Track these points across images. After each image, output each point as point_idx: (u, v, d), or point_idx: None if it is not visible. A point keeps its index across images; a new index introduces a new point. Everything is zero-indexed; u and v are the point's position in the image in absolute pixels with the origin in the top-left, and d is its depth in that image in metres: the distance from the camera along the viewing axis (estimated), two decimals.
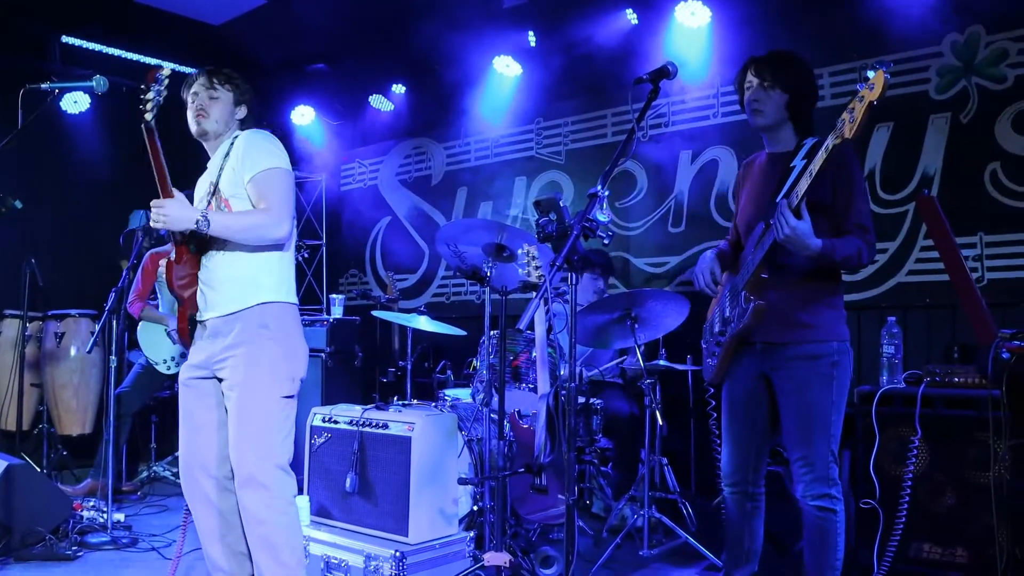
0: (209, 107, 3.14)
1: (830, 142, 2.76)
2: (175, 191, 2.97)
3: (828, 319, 3.05)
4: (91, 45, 6.63)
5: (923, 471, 3.61)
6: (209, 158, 3.25)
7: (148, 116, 2.95)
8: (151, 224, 2.96)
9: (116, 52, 6.76)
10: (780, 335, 3.04)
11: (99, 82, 3.70)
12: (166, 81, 2.95)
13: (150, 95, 2.93)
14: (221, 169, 3.08)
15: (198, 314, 3.12)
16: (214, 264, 3.07)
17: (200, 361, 3.10)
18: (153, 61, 6.93)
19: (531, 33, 6.03)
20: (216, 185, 3.07)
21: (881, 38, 4.93)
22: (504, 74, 6.45)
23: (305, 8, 5.74)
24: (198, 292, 3.10)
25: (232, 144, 3.10)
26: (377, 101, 7.20)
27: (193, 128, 3.19)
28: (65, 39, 6.51)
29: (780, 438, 3.18)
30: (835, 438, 3.01)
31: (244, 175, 3.03)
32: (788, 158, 3.04)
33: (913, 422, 3.59)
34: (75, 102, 6.91)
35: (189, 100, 3.19)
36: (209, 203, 3.08)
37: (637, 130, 2.74)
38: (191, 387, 3.15)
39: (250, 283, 3.04)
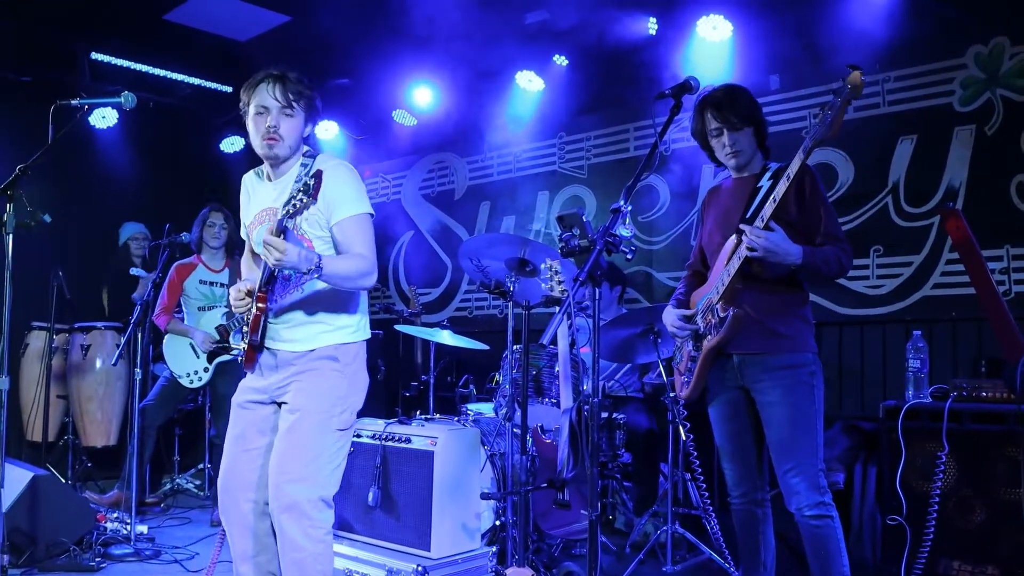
0: (282, 128, 2.90)
1: (808, 143, 2.85)
2: (294, 230, 2.81)
3: (802, 331, 3.09)
4: (120, 61, 6.71)
5: (951, 487, 3.57)
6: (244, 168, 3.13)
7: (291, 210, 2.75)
8: (264, 259, 2.77)
9: (144, 68, 6.84)
10: (758, 345, 3.07)
11: (127, 98, 3.74)
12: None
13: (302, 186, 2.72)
14: (299, 206, 2.75)
15: (268, 341, 2.97)
16: (289, 304, 2.96)
17: (261, 386, 3.02)
18: (180, 77, 7.01)
19: (562, 57, 6.05)
20: (292, 220, 2.87)
21: (904, 50, 4.91)
22: (527, 89, 6.47)
23: (328, 24, 5.78)
24: (265, 322, 2.95)
25: (309, 194, 2.72)
26: (400, 116, 7.24)
27: (260, 150, 2.95)
28: (94, 55, 6.60)
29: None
30: (820, 447, 3.03)
31: (332, 217, 2.89)
32: (754, 180, 3.14)
33: (940, 437, 3.55)
34: (103, 117, 7.00)
35: (253, 110, 2.92)
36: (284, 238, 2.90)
37: (659, 144, 2.75)
38: (247, 409, 3.04)
39: (329, 324, 2.98)
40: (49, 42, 6.43)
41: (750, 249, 2.90)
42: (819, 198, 3.05)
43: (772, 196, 2.90)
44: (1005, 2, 4.60)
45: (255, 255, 3.14)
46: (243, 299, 2.93)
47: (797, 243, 2.93)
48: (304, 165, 2.94)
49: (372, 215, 2.97)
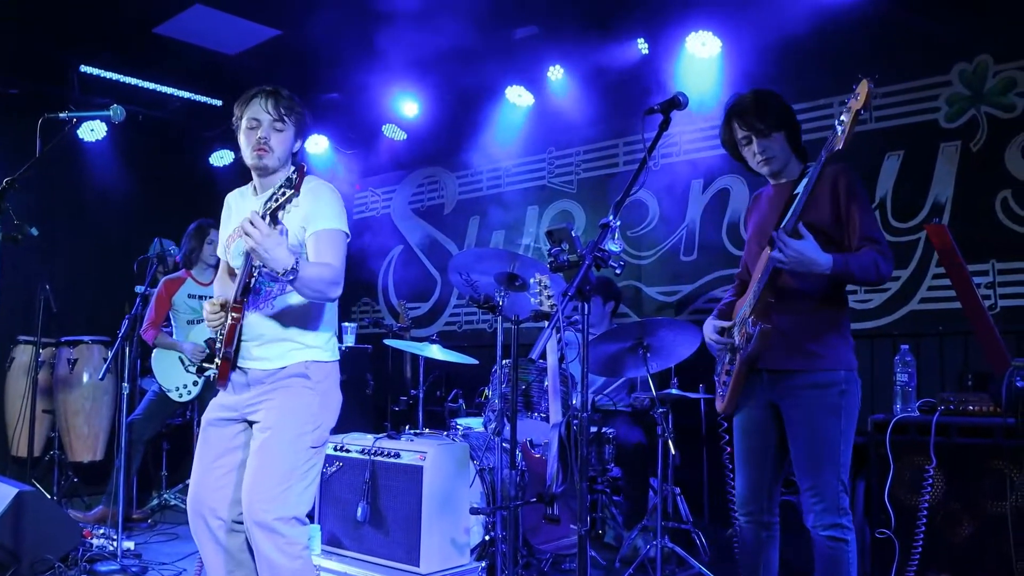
0: (272, 140, 2.98)
1: (824, 155, 2.81)
2: (282, 223, 2.80)
3: (836, 347, 3.02)
4: (109, 74, 6.70)
5: (939, 500, 3.58)
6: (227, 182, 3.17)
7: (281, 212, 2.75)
8: (244, 245, 2.76)
9: (133, 81, 6.83)
10: (787, 362, 3.01)
11: (116, 111, 3.74)
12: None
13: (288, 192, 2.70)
14: (281, 199, 2.74)
15: (239, 360, 2.99)
16: (260, 320, 2.97)
17: (231, 403, 3.02)
18: (170, 91, 7.01)
19: (559, 67, 6.07)
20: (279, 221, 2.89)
21: (890, 67, 4.96)
22: (516, 104, 6.50)
23: (318, 38, 5.80)
24: (240, 335, 2.96)
25: (292, 187, 2.73)
26: (390, 130, 7.25)
27: (250, 161, 3.02)
28: (83, 68, 6.59)
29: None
30: (844, 467, 2.97)
31: (309, 227, 2.93)
32: (792, 186, 3.05)
33: (928, 451, 3.57)
34: (92, 130, 6.98)
35: (245, 123, 3.00)
36: None
37: (648, 160, 2.76)
38: (216, 427, 3.05)
39: (299, 343, 2.98)
40: (38, 55, 6.42)
41: (777, 260, 2.85)
42: (854, 198, 2.96)
43: (794, 205, 2.85)
44: (989, 20, 4.65)
45: (231, 272, 3.15)
46: (217, 312, 2.94)
47: (829, 250, 2.87)
48: (290, 179, 2.90)
49: (348, 236, 3.00)
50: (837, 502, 2.94)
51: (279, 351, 2.97)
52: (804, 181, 2.94)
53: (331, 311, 3.09)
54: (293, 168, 2.78)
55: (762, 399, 3.10)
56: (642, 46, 5.68)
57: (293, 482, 2.89)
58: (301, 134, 3.07)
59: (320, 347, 3.03)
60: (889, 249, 2.95)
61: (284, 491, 2.87)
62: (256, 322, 2.97)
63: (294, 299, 2.95)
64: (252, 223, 2.67)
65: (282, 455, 2.90)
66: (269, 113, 2.97)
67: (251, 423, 3.00)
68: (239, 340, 2.94)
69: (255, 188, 3.11)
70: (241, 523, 2.97)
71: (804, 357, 2.99)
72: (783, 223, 2.91)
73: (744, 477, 3.19)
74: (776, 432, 3.10)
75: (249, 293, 2.94)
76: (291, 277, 2.73)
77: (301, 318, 2.99)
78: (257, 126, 2.97)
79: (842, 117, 2.76)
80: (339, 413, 3.11)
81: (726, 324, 3.20)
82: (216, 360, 2.98)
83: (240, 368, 3.00)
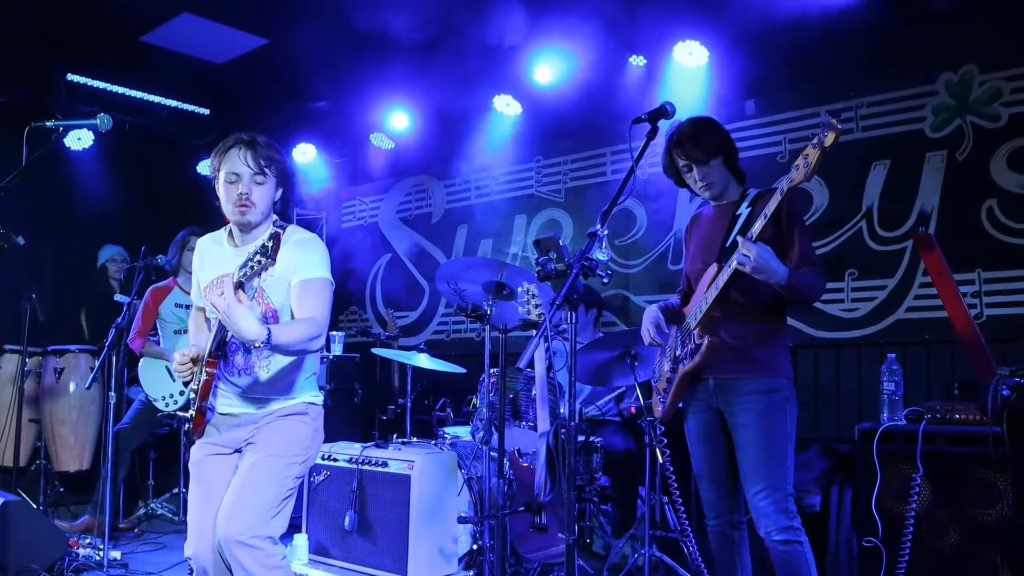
0: (254, 195, 2.89)
1: (785, 185, 2.85)
2: (244, 296, 2.74)
3: (778, 357, 3.13)
4: (96, 83, 6.69)
5: (926, 509, 3.59)
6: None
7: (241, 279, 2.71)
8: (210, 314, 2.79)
9: (120, 90, 6.82)
10: (734, 370, 3.10)
11: (103, 120, 3.73)
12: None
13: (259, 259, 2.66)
14: (256, 267, 2.69)
15: (226, 406, 2.98)
16: (257, 369, 2.95)
17: (224, 441, 2.99)
18: (157, 99, 6.99)
19: (547, 76, 6.07)
20: (256, 284, 2.91)
21: (876, 77, 4.99)
22: (504, 113, 6.51)
23: (305, 47, 5.80)
24: (221, 390, 2.96)
25: (267, 255, 2.67)
26: (378, 139, 7.25)
27: (232, 217, 2.94)
28: (70, 76, 6.57)
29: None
30: (790, 472, 3.05)
31: (294, 275, 2.90)
32: (733, 207, 3.19)
33: (915, 459, 3.57)
34: (79, 139, 6.96)
35: (224, 176, 2.90)
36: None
37: (636, 169, 2.77)
38: (211, 462, 3.00)
39: (291, 393, 2.99)
40: (24, 63, 6.40)
41: (740, 264, 2.90)
42: (795, 221, 3.08)
43: (763, 212, 2.91)
44: (975, 31, 4.68)
45: (207, 320, 3.10)
46: (186, 364, 2.88)
47: None
48: (272, 235, 2.84)
49: (332, 284, 2.99)
50: (786, 504, 3.01)
51: (274, 399, 2.98)
52: (745, 204, 3.12)
53: (315, 363, 3.10)
54: (271, 232, 2.71)
55: (707, 405, 3.21)
56: (637, 60, 5.69)
57: (274, 507, 2.89)
58: (283, 183, 3.00)
59: (312, 392, 3.05)
60: (822, 270, 3.10)
61: (266, 516, 2.86)
62: (249, 380, 2.95)
63: (284, 360, 2.94)
64: (222, 293, 2.61)
65: (270, 480, 2.89)
66: (249, 167, 2.88)
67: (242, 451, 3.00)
68: (215, 391, 2.92)
69: (231, 236, 3.04)
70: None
71: (750, 365, 3.09)
72: (731, 243, 3.05)
73: (707, 482, 3.27)
74: (725, 437, 3.20)
75: (225, 347, 2.90)
76: (264, 346, 2.70)
77: (295, 370, 2.98)
78: (237, 180, 2.89)
79: (807, 152, 2.77)
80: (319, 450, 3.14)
81: (665, 326, 3.28)
82: (191, 411, 2.93)
83: (227, 414, 2.98)
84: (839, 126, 2.73)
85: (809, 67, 5.20)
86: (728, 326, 3.10)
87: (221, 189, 2.94)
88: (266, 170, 2.90)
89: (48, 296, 6.27)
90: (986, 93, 4.67)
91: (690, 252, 3.41)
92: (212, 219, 3.25)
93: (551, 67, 5.94)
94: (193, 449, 3.05)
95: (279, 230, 2.80)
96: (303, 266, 2.92)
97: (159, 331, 5.58)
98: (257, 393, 2.96)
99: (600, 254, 2.64)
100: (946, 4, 4.63)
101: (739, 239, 2.92)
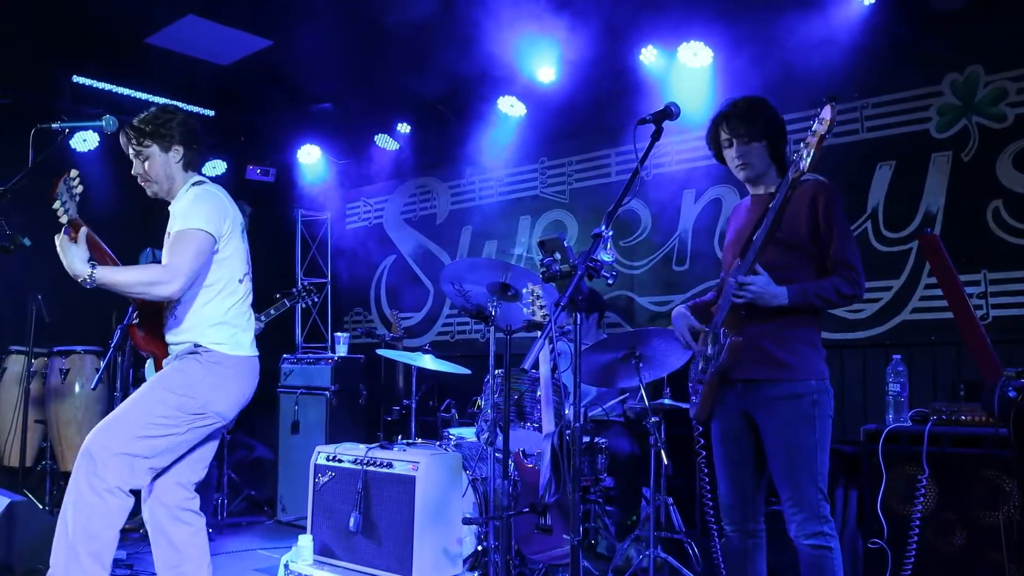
0: (146, 170, 3.21)
1: (791, 175, 2.84)
2: (81, 238, 3.07)
3: (806, 357, 3.03)
4: (101, 84, 6.70)
5: (931, 510, 3.58)
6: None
7: (64, 219, 3.07)
8: None
9: (126, 91, 6.83)
10: (759, 373, 3.02)
11: (109, 122, 3.73)
12: (76, 182, 2.98)
13: (57, 204, 3.04)
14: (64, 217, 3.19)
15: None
16: (169, 322, 3.21)
17: None
18: (162, 100, 6.98)
19: (551, 77, 6.07)
20: (166, 237, 3.18)
21: (881, 77, 4.99)
22: (509, 114, 6.51)
23: (311, 49, 5.81)
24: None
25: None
26: (382, 140, 7.26)
27: (148, 193, 3.28)
28: (76, 78, 6.58)
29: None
30: (822, 476, 2.98)
31: (171, 229, 3.12)
32: (769, 198, 3.07)
33: (920, 460, 3.57)
34: (84, 140, 6.98)
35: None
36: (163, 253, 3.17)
37: (641, 170, 2.77)
38: None
39: (188, 331, 3.16)
40: (30, 65, 6.41)
41: (736, 296, 2.89)
42: (832, 220, 2.97)
43: (757, 233, 2.88)
44: (980, 31, 4.68)
45: None
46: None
47: (805, 264, 2.95)
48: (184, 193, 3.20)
49: (201, 231, 3.07)
50: (817, 510, 2.95)
51: (176, 337, 3.18)
52: (779, 195, 2.95)
53: (230, 316, 3.20)
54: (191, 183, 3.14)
55: (736, 409, 3.12)
56: (643, 57, 5.68)
57: (133, 422, 2.98)
58: (172, 142, 3.20)
59: (218, 342, 3.14)
60: (860, 273, 2.98)
61: (119, 427, 2.97)
62: (168, 322, 3.21)
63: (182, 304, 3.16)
64: (58, 242, 3.00)
65: (139, 401, 3.03)
66: (131, 148, 3.22)
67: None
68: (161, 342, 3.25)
69: None
70: (186, 510, 3.10)
71: (774, 367, 3.00)
72: (754, 239, 2.96)
73: (726, 485, 3.20)
74: (752, 441, 3.11)
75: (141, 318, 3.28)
76: (89, 285, 2.98)
77: (185, 311, 3.16)
78: (134, 162, 3.24)
79: (809, 141, 2.78)
80: (230, 401, 3.19)
81: (698, 327, 3.21)
82: None
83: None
84: (834, 110, 2.75)
85: (813, 67, 5.18)
86: (752, 324, 2.99)
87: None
88: (142, 144, 3.19)
89: (54, 297, 6.27)
90: (992, 93, 4.66)
91: (726, 244, 3.33)
92: None
93: (555, 67, 5.95)
94: None
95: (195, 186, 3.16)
96: (177, 218, 3.11)
97: None
98: (170, 329, 3.20)
99: (605, 255, 2.64)
100: (951, 5, 4.63)
101: (730, 280, 2.90)
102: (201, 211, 3.07)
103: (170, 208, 3.17)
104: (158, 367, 3.23)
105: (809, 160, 2.77)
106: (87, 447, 2.94)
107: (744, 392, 3.07)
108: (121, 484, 2.94)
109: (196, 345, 3.13)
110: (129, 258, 6.46)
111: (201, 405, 3.07)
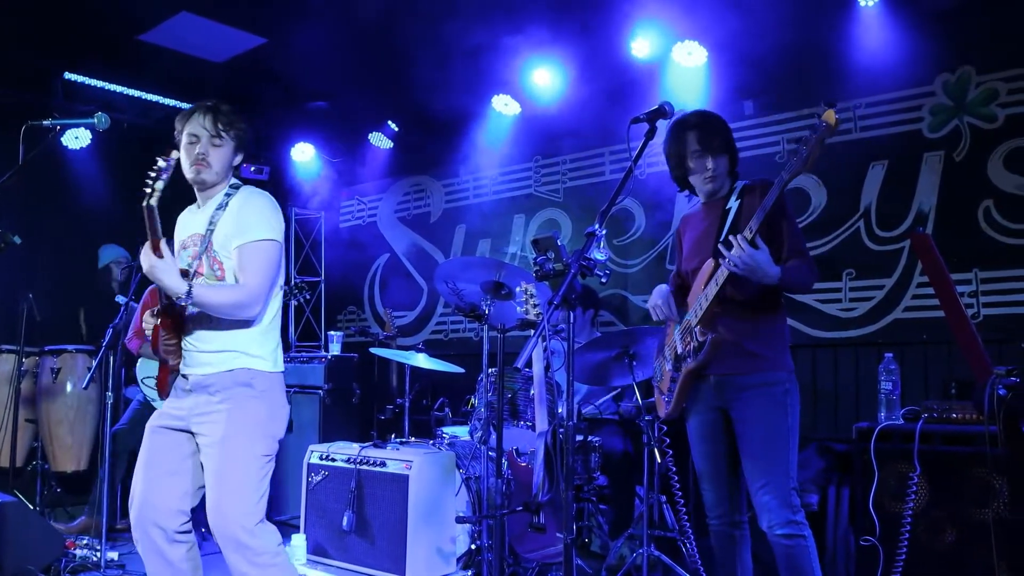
0: (211, 156, 3.04)
1: (786, 175, 2.87)
2: (166, 252, 2.88)
3: (777, 350, 3.13)
4: (94, 81, 6.67)
5: (923, 508, 3.59)
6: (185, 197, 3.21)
7: (152, 201, 2.83)
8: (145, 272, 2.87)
9: (118, 88, 6.80)
10: (734, 366, 3.10)
11: (101, 119, 3.73)
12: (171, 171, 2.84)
13: (159, 183, 2.80)
14: (213, 224, 2.99)
15: (181, 367, 3.06)
16: (202, 328, 3.02)
17: (178, 413, 3.05)
18: (154, 98, 6.98)
19: (545, 76, 6.08)
20: (209, 243, 3.01)
21: (874, 78, 4.99)
22: (503, 112, 6.51)
23: (305, 47, 5.80)
24: (183, 348, 3.05)
25: (228, 199, 3.02)
26: (376, 139, 7.25)
27: (189, 175, 3.08)
28: (68, 75, 6.56)
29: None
30: (793, 465, 3.05)
31: (234, 241, 2.98)
32: (723, 202, 3.20)
33: (912, 458, 3.58)
34: (76, 137, 6.94)
35: (185, 139, 3.06)
36: (200, 259, 3.03)
37: (634, 168, 2.77)
38: (161, 435, 3.07)
39: (238, 351, 3.01)
40: (21, 62, 6.38)
41: (733, 265, 2.91)
42: (784, 215, 3.09)
43: (763, 205, 2.91)
44: (972, 32, 4.69)
45: None
46: (150, 321, 3.02)
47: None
48: (228, 194, 3.05)
49: (276, 243, 3.02)
50: (789, 498, 3.01)
51: (220, 358, 3.00)
52: (734, 197, 3.14)
53: (273, 323, 3.11)
54: (231, 195, 2.97)
55: (710, 403, 3.19)
56: (631, 53, 5.68)
57: (250, 493, 2.93)
58: (242, 148, 3.13)
59: (262, 358, 3.04)
60: (813, 260, 3.12)
61: (244, 504, 2.91)
62: (201, 328, 3.01)
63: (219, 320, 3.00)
64: (145, 254, 2.83)
65: (237, 469, 2.93)
66: (207, 129, 3.04)
67: (194, 432, 3.02)
68: (165, 343, 3.00)
69: (199, 203, 3.19)
70: (183, 532, 3.02)
71: (750, 359, 3.09)
72: (724, 237, 3.05)
73: (707, 482, 3.27)
74: (727, 435, 3.19)
75: (167, 300, 2.98)
76: (187, 302, 2.85)
77: (239, 328, 3.01)
78: (196, 141, 3.04)
79: (804, 144, 2.82)
80: (287, 422, 3.14)
81: (674, 313, 3.26)
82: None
83: (183, 376, 3.04)
84: (837, 115, 2.78)
85: (806, 67, 5.20)
86: (727, 321, 3.09)
87: (182, 151, 3.08)
88: (224, 133, 3.05)
89: (45, 295, 6.26)
90: (983, 94, 4.68)
91: (684, 252, 3.41)
92: None
93: (549, 66, 5.95)
94: (155, 413, 3.14)
95: (237, 195, 3.01)
96: (245, 226, 2.99)
97: None
98: (209, 346, 3.00)
99: (598, 254, 2.64)
100: (944, 5, 4.64)
101: (733, 239, 2.92)
102: (267, 219, 3.02)
103: (211, 208, 3.02)
104: (163, 377, 3.05)
105: (801, 162, 2.82)
106: (230, 537, 2.87)
107: (719, 386, 3.15)
108: (274, 539, 2.96)
109: (245, 371, 2.99)
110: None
111: (273, 436, 3.04)
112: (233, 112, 3.10)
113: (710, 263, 3.11)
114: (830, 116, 2.81)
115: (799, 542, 2.98)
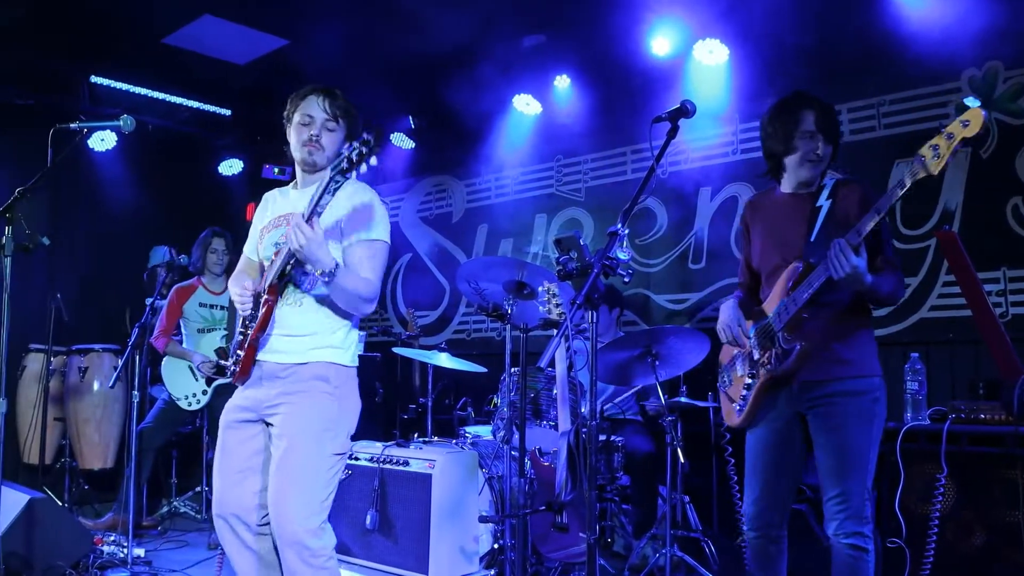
0: (324, 139, 3.02)
1: (908, 180, 2.67)
2: (318, 227, 2.77)
3: (867, 354, 3.00)
4: (119, 85, 6.74)
5: (950, 509, 3.56)
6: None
7: (352, 174, 2.68)
8: (286, 241, 2.78)
9: (143, 91, 6.87)
10: (821, 372, 2.96)
11: (126, 122, 3.76)
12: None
13: (356, 151, 2.63)
14: (321, 207, 2.77)
15: (259, 352, 2.97)
16: (288, 312, 2.95)
17: (248, 403, 3.00)
18: (179, 100, 7.04)
19: (566, 76, 6.08)
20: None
21: (899, 73, 4.95)
22: (524, 112, 6.51)
23: (325, 48, 5.83)
24: (272, 322, 2.96)
25: (333, 186, 2.73)
26: (398, 139, 7.27)
27: (299, 155, 3.06)
28: (94, 79, 6.63)
29: (808, 476, 3.13)
30: (871, 475, 2.94)
31: (352, 234, 2.95)
32: (812, 199, 3.05)
33: (939, 459, 3.55)
34: (102, 140, 7.02)
35: (298, 118, 3.03)
36: None
37: (656, 168, 2.76)
38: (236, 429, 3.02)
39: (322, 342, 2.96)
40: (49, 66, 6.46)
41: (835, 270, 2.76)
42: (883, 224, 2.91)
43: (876, 207, 2.75)
44: (999, 27, 4.63)
45: (260, 266, 3.14)
46: (248, 297, 2.95)
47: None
48: (335, 180, 2.77)
49: (388, 245, 3.03)
50: (861, 510, 2.91)
51: (302, 346, 2.94)
52: (825, 195, 2.98)
53: (356, 320, 3.08)
54: (339, 183, 2.73)
55: (787, 411, 3.05)
56: (652, 51, 5.66)
57: (317, 491, 2.89)
58: (352, 136, 3.04)
59: (343, 349, 3.01)
60: (901, 272, 3.00)
61: (309, 503, 2.86)
62: (285, 313, 2.95)
63: (325, 297, 2.94)
64: (299, 227, 2.72)
65: (304, 467, 2.87)
66: (325, 111, 3.03)
67: (268, 423, 2.97)
68: (272, 324, 2.92)
69: (295, 184, 3.15)
70: (267, 526, 2.97)
71: (837, 365, 2.96)
72: (816, 236, 2.92)
73: (758, 492, 3.12)
74: (799, 444, 3.06)
75: (285, 279, 2.92)
76: (327, 279, 2.79)
77: (330, 316, 2.97)
78: (310, 123, 3.02)
79: (937, 142, 2.59)
80: (357, 418, 3.08)
81: (747, 328, 3.12)
82: (239, 352, 2.93)
83: (256, 360, 2.97)
84: (984, 113, 2.55)
85: (830, 64, 5.16)
86: (816, 326, 2.95)
87: (292, 132, 3.06)
88: (339, 118, 3.04)
89: (73, 295, 6.33)
90: (1011, 90, 4.62)
91: (756, 244, 3.23)
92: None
93: (570, 66, 5.95)
94: (225, 408, 3.06)
95: (345, 185, 2.81)
96: (367, 222, 2.97)
97: (183, 330, 5.63)
98: (293, 332, 2.93)
99: (621, 253, 2.62)
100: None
101: (836, 244, 2.77)
102: (385, 220, 3.03)
103: (315, 190, 2.80)
104: (248, 359, 2.93)
105: (941, 162, 2.58)
106: (290, 534, 2.82)
107: (801, 391, 3.01)
108: (331, 543, 2.93)
109: (321, 364, 2.93)
110: (144, 256, 6.55)
111: (347, 432, 3.01)
112: (349, 101, 3.10)
113: (799, 265, 2.95)
114: (976, 116, 2.54)
115: (863, 555, 2.88)
